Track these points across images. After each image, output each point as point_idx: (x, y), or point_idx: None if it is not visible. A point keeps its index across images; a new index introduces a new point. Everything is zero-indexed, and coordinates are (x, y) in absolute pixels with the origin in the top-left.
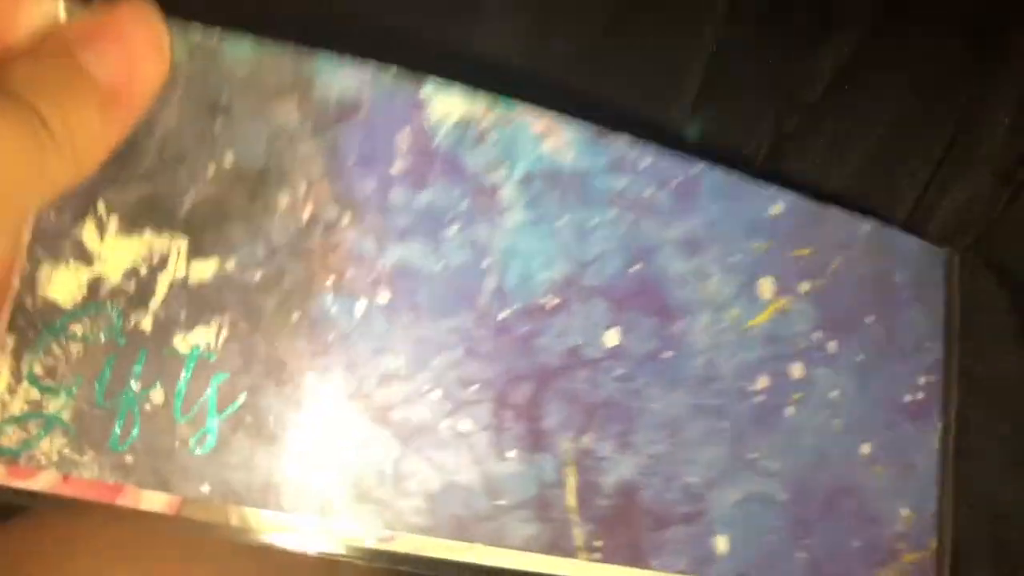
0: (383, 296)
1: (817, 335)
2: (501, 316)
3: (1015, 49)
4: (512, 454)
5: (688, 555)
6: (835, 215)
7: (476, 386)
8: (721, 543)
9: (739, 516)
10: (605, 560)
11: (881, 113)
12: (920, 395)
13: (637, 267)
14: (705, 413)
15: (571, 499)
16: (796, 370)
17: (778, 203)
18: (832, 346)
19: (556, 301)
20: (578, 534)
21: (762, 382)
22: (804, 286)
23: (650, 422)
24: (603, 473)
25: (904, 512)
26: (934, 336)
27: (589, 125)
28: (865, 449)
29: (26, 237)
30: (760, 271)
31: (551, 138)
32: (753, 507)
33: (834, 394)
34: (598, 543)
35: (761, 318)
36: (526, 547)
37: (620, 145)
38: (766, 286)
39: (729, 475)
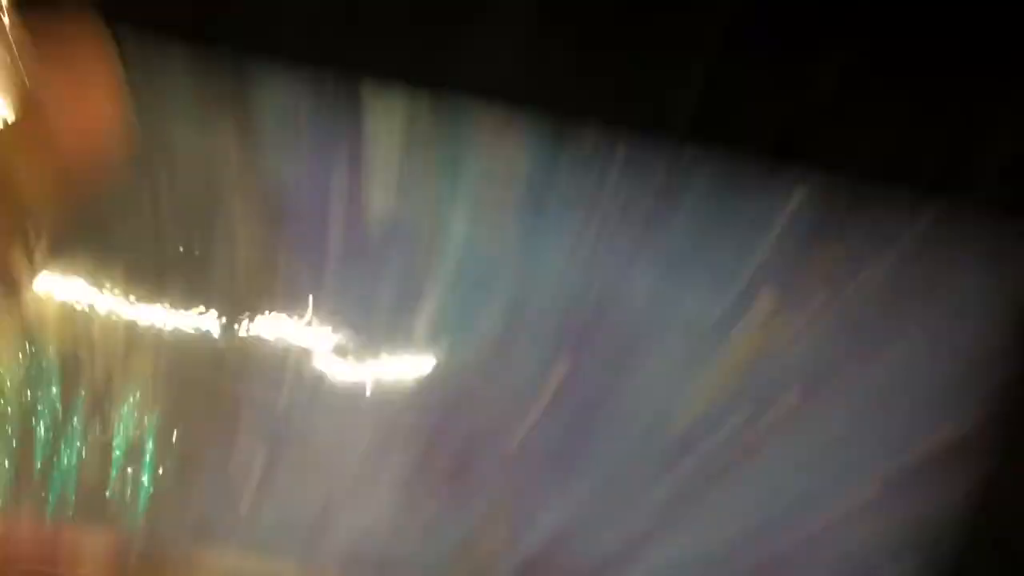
0: None
1: (825, 360)
2: (427, 368)
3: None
4: (434, 507)
5: None
6: (884, 199)
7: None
8: None
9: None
10: None
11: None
12: (955, 434)
13: (593, 293)
14: (655, 461)
15: (497, 546)
16: (786, 405)
17: (794, 195)
18: (844, 375)
19: (490, 345)
20: None
21: (737, 421)
22: (818, 299)
23: (590, 472)
24: (533, 522)
25: (906, 566)
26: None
27: (546, 121)
28: (861, 498)
29: None
30: (760, 282)
31: (498, 142)
32: (690, 569)
33: (832, 434)
34: None
35: (749, 346)
36: None
37: (585, 139)
38: (764, 303)
39: (671, 530)
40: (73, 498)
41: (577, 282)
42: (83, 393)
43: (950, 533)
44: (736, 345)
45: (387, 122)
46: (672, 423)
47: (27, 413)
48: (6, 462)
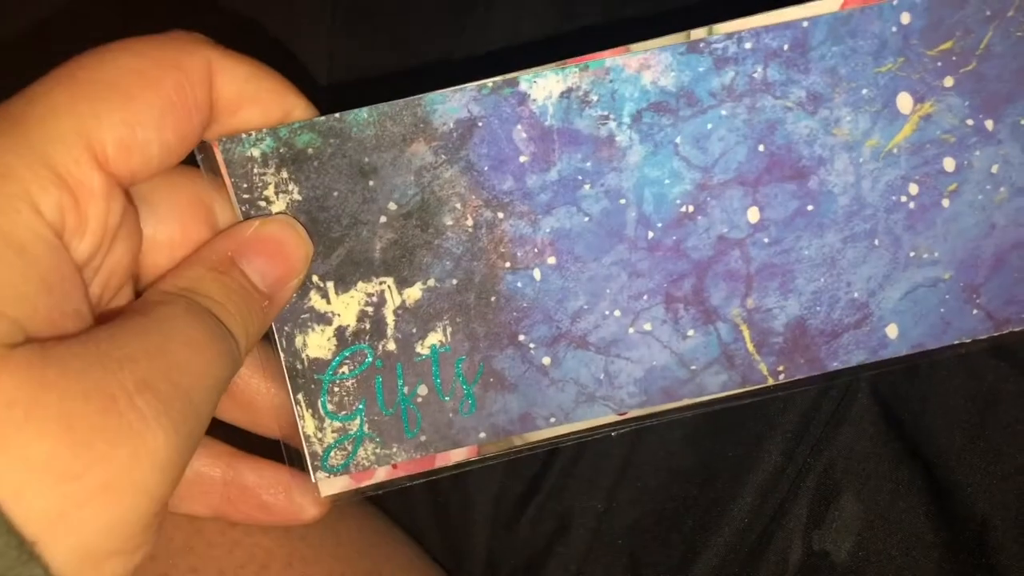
0: (550, 260)
1: (970, 121)
2: (650, 237)
3: None
4: (691, 332)
5: (863, 349)
6: None
7: (645, 296)
8: (892, 330)
9: (906, 305)
10: (789, 377)
11: None
12: None
13: (762, 146)
14: (857, 239)
15: (750, 347)
16: (948, 164)
17: (904, 12)
18: (989, 124)
19: (692, 207)
20: (763, 368)
21: (912, 189)
22: (948, 81)
23: (806, 266)
24: (773, 319)
25: None
26: None
27: (680, 44)
28: None
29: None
30: (895, 90)
31: (648, 71)
32: (919, 293)
33: (995, 168)
34: (781, 368)
35: (903, 133)
36: (723, 390)
37: (716, 44)
38: (904, 101)
39: (891, 279)
40: None
41: (745, 147)
42: None
43: None
44: (894, 138)
45: None
46: (865, 208)
47: (371, 397)
48: None
